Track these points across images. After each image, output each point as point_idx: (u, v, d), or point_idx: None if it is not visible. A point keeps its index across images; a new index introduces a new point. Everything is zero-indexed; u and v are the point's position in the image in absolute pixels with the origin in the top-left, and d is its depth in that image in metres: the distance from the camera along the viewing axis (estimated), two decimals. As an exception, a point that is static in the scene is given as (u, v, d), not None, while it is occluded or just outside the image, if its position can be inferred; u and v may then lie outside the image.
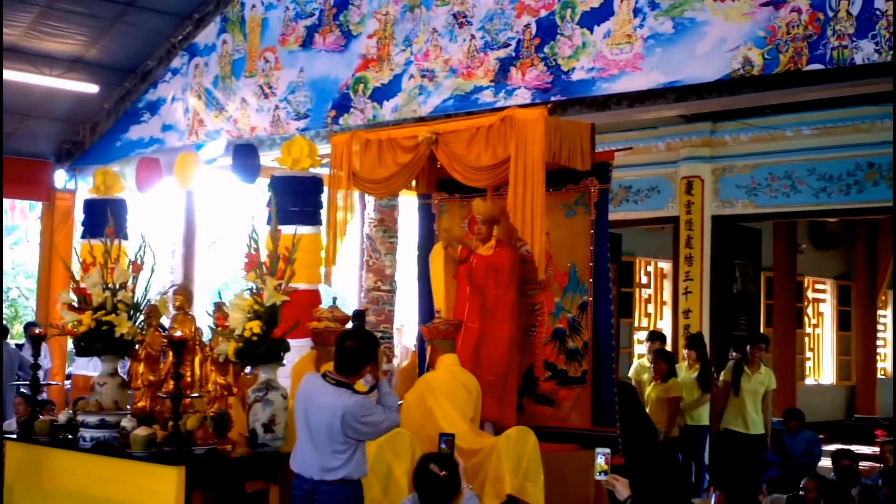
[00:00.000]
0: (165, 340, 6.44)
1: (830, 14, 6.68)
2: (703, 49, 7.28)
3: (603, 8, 7.84)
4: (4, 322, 12.86)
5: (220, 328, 6.16)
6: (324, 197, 8.06)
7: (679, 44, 7.41)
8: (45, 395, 9.79)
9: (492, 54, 8.54)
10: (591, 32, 7.90)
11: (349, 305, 11.86)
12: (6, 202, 13.70)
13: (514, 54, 8.39)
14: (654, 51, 7.55)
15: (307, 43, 10.07)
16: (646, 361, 10.36)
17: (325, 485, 5.14)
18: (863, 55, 6.51)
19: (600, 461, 4.83)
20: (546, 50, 8.17)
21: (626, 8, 7.71)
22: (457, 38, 8.80)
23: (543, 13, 8.21)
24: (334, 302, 6.78)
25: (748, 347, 9.71)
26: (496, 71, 8.49)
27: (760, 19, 6.99)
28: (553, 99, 8.00)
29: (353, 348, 5.19)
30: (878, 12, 6.46)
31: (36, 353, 6.91)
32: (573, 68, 8.00)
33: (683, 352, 10.29)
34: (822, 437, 11.14)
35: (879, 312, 17.14)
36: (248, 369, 6.38)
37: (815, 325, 16.94)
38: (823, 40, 6.69)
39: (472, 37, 8.68)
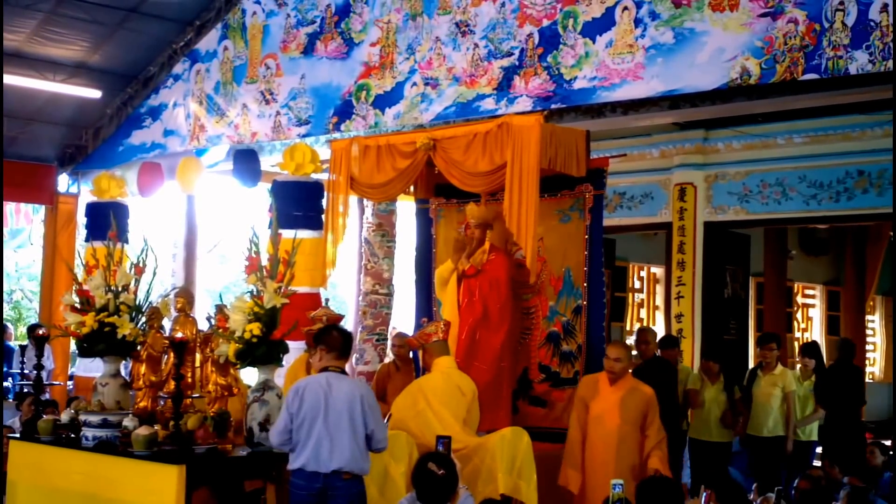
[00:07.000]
0: (167, 342, 6.53)
1: (826, 25, 6.74)
2: (703, 59, 7.32)
3: (604, 18, 7.89)
4: (6, 323, 12.97)
5: (220, 330, 6.27)
6: (324, 201, 8.15)
7: (679, 54, 7.45)
8: (47, 396, 9.87)
9: (496, 63, 8.55)
10: (594, 42, 7.93)
11: (345, 307, 11.97)
12: (10, 205, 13.78)
13: (517, 63, 8.40)
14: (654, 60, 7.58)
15: (308, 50, 10.13)
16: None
17: (340, 480, 5.27)
18: (857, 65, 6.58)
19: (617, 490, 4.93)
20: (549, 59, 8.19)
21: (628, 18, 7.75)
22: (460, 46, 8.82)
23: (546, 23, 8.23)
24: (326, 304, 6.85)
25: (758, 350, 9.33)
26: (500, 79, 8.50)
27: (758, 30, 7.04)
28: (552, 107, 8.05)
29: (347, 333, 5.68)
30: (872, 23, 6.54)
31: (39, 354, 6.99)
32: (575, 77, 8.01)
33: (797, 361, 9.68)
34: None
35: (867, 317, 17.16)
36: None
37: (805, 330, 16.91)
38: (819, 50, 6.75)
39: (476, 46, 8.70)
